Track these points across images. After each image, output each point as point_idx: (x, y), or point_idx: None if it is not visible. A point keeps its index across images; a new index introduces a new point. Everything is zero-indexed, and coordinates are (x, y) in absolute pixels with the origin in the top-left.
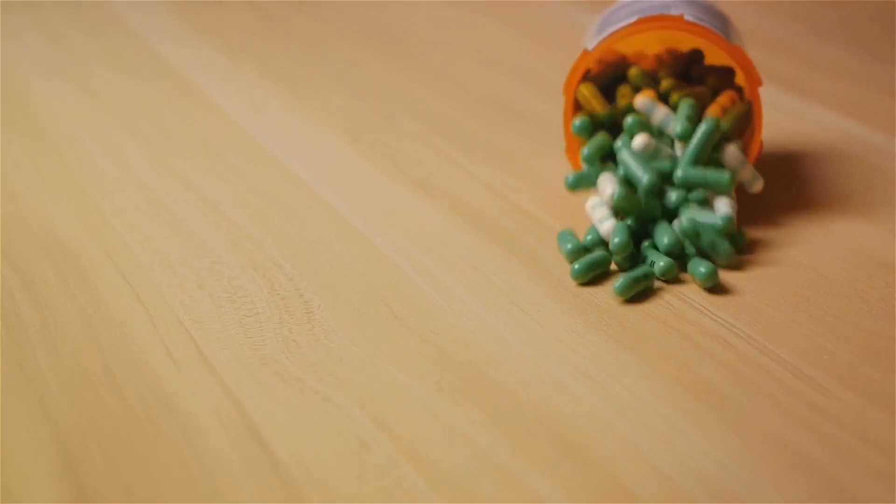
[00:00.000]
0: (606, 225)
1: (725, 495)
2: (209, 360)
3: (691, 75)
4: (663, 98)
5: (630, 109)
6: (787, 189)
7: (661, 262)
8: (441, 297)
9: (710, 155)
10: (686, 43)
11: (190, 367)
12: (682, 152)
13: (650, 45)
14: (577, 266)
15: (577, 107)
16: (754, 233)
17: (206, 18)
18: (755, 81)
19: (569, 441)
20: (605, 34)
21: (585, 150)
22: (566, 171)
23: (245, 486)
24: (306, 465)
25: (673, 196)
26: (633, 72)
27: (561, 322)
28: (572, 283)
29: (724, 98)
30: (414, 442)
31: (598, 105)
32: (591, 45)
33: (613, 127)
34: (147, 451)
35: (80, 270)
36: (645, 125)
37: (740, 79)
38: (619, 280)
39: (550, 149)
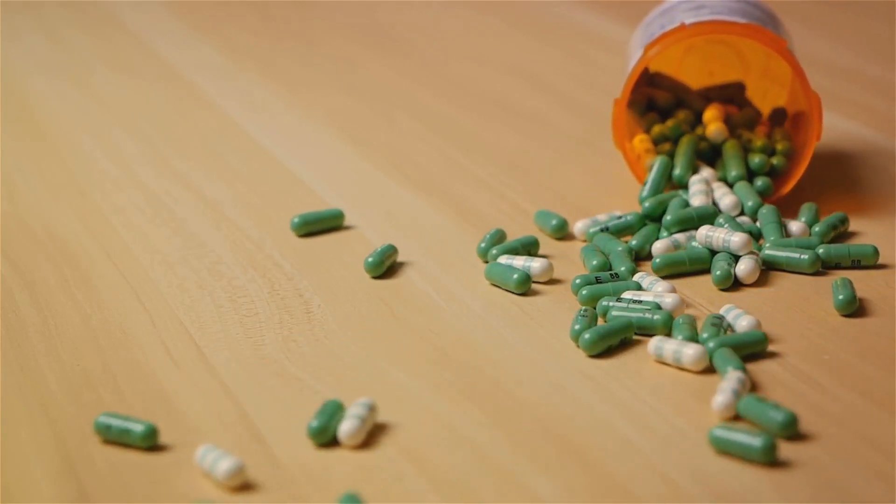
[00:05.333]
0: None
1: (726, 495)
2: (209, 360)
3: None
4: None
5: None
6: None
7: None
8: (441, 297)
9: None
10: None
11: (190, 367)
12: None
13: (697, 45)
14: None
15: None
16: None
17: (206, 19)
18: (817, 134)
19: (569, 441)
20: (701, 18)
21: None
22: (565, 170)
23: (245, 486)
24: (306, 465)
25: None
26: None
27: (561, 322)
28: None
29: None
30: (414, 442)
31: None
32: (640, 48)
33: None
34: (147, 451)
35: (80, 270)
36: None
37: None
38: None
39: (550, 148)
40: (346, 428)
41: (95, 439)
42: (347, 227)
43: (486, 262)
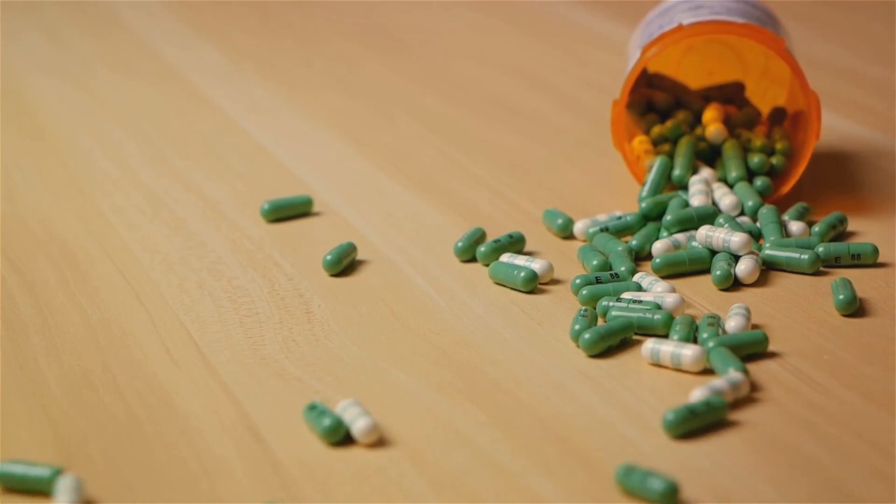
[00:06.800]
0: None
1: (725, 495)
2: (209, 360)
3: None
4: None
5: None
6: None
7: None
8: (441, 297)
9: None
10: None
11: (190, 367)
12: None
13: (696, 46)
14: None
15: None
16: None
17: (206, 19)
18: (816, 133)
19: (569, 441)
20: (700, 19)
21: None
22: (565, 170)
23: (245, 486)
24: (306, 465)
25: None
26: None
27: (561, 322)
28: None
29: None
30: (414, 442)
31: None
32: (641, 46)
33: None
34: (147, 451)
35: (80, 270)
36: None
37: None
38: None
39: (550, 148)
40: (364, 425)
41: (95, 439)
42: (347, 228)
43: (464, 261)
